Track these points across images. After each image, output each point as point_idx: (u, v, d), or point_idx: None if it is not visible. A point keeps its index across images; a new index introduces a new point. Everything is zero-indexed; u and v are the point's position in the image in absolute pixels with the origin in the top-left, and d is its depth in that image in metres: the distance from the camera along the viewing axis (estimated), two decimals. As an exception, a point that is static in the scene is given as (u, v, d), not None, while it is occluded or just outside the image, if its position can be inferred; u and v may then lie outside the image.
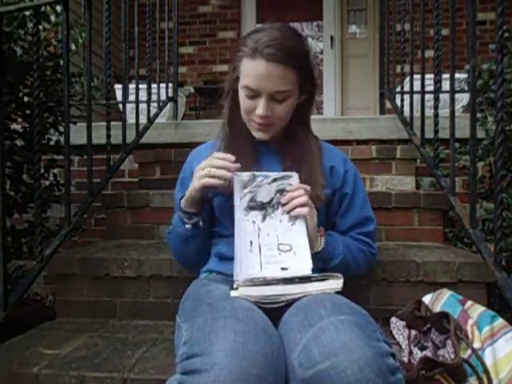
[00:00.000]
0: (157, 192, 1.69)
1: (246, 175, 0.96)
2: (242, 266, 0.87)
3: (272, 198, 0.95)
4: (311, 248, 0.93)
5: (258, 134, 1.01)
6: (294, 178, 0.98)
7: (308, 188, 0.95)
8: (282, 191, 0.95)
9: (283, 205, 0.94)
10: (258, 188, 0.95)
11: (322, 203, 1.01)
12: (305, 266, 0.88)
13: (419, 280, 1.24)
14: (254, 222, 0.93)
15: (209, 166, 0.93)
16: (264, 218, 0.94)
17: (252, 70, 0.93)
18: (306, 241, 0.92)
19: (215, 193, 1.03)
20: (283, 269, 0.88)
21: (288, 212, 0.94)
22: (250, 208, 0.94)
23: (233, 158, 0.94)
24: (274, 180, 0.96)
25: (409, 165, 1.93)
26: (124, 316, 1.32)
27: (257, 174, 0.97)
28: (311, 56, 1.00)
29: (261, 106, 0.95)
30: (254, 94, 0.95)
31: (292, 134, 1.07)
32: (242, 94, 0.99)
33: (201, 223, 1.02)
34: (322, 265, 1.00)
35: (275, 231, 0.93)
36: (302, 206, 0.92)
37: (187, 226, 1.02)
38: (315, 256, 0.94)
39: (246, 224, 0.93)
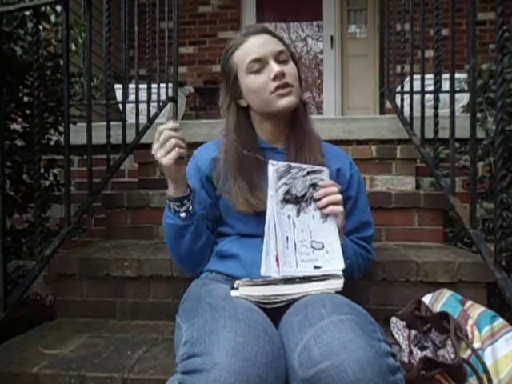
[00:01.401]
0: (157, 192, 1.69)
1: (282, 165, 0.92)
2: (280, 264, 0.84)
3: (306, 192, 0.93)
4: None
5: (283, 101, 0.99)
6: (325, 173, 0.96)
7: (339, 187, 0.95)
8: (314, 186, 0.94)
9: (316, 200, 0.93)
10: (293, 180, 0.92)
11: None
12: (337, 265, 0.88)
13: (419, 280, 1.24)
14: (289, 217, 0.90)
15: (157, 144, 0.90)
16: (298, 212, 0.91)
17: (249, 46, 1.01)
18: (338, 239, 0.91)
19: (222, 192, 1.04)
20: (316, 267, 0.87)
21: (321, 209, 0.92)
22: (286, 201, 0.91)
23: (174, 124, 0.91)
24: (308, 173, 0.94)
25: (409, 165, 1.93)
26: (124, 316, 1.32)
27: (292, 165, 0.93)
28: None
29: (273, 66, 0.99)
30: (262, 64, 1.00)
31: (296, 124, 1.08)
32: (249, 78, 1.01)
33: (190, 208, 0.97)
34: None
35: (308, 227, 0.91)
36: (336, 204, 0.92)
37: (181, 215, 0.97)
38: None
39: (282, 218, 0.89)
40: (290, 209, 0.91)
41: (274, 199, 0.89)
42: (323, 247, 0.90)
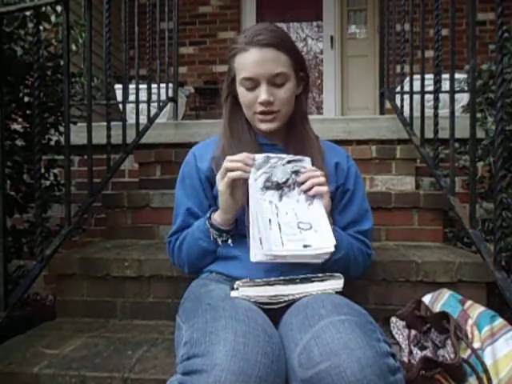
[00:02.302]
0: (157, 192, 1.69)
1: (259, 157, 0.94)
2: (263, 243, 0.83)
3: (288, 179, 0.94)
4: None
5: (264, 126, 1.01)
6: (307, 161, 0.97)
7: (322, 172, 0.95)
8: (297, 172, 0.94)
9: (300, 184, 0.93)
10: (272, 169, 0.94)
11: None
12: (327, 243, 0.86)
13: (419, 280, 1.24)
14: (270, 202, 0.91)
15: (229, 162, 0.92)
16: (281, 197, 0.92)
17: (247, 60, 0.96)
18: (326, 219, 0.90)
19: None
20: (306, 246, 0.85)
21: (306, 192, 0.92)
22: (266, 188, 0.92)
23: (249, 156, 0.94)
24: (289, 162, 0.95)
25: (409, 165, 1.93)
26: (124, 316, 1.32)
27: (271, 155, 0.95)
28: (296, 46, 1.03)
29: (262, 92, 0.96)
30: (254, 84, 0.97)
31: (293, 127, 1.07)
32: (241, 90, 1.00)
33: (230, 241, 1.00)
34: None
35: (293, 210, 0.91)
36: (320, 185, 0.92)
37: (219, 243, 0.99)
38: None
39: (262, 203, 0.90)
40: (272, 194, 0.92)
41: (254, 187, 0.91)
42: (311, 227, 0.88)
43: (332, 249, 0.86)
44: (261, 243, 0.84)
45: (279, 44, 0.96)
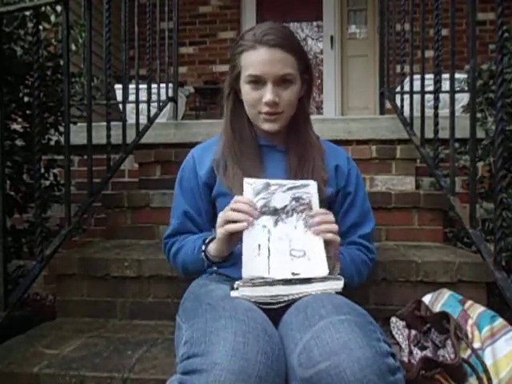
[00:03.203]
0: (157, 192, 1.69)
1: (259, 183, 0.92)
2: (247, 269, 0.82)
3: (286, 205, 0.90)
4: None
5: (266, 126, 1.01)
6: (312, 186, 0.93)
7: (333, 219, 0.90)
8: (298, 199, 0.91)
9: (300, 212, 0.89)
10: (271, 195, 0.91)
11: (325, 201, 1.01)
12: (318, 272, 0.83)
13: (419, 280, 1.24)
14: (264, 227, 0.88)
15: (230, 210, 0.88)
16: (276, 223, 0.89)
17: (255, 59, 0.95)
18: (322, 245, 0.86)
19: (219, 193, 1.03)
20: (294, 274, 0.83)
21: (316, 232, 0.87)
22: (262, 213, 0.89)
23: (254, 203, 0.89)
24: (290, 189, 0.92)
25: (409, 165, 1.93)
26: (124, 316, 1.32)
27: (271, 182, 0.93)
28: (304, 48, 1.03)
29: (268, 92, 0.95)
30: (260, 83, 0.96)
31: (295, 129, 1.07)
32: (246, 88, 0.99)
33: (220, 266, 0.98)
34: None
35: (287, 236, 0.87)
36: (335, 233, 0.87)
37: (213, 268, 0.98)
38: None
39: (255, 228, 0.87)
40: (267, 219, 0.89)
41: None
42: (304, 255, 0.86)
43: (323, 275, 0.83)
44: (245, 268, 0.82)
45: (288, 45, 0.95)
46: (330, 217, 0.89)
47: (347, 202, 1.07)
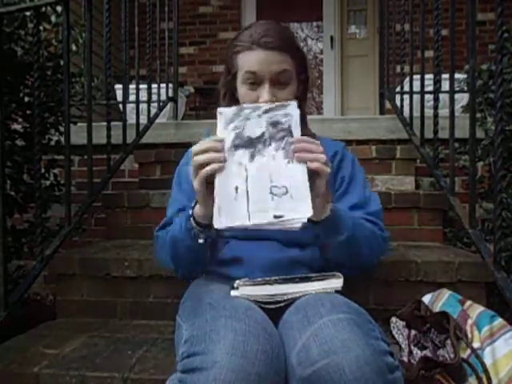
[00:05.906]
0: (157, 192, 1.69)
1: (230, 110, 0.81)
2: (222, 214, 0.74)
3: (263, 132, 0.79)
4: (314, 213, 0.77)
5: None
6: (292, 106, 0.81)
7: (321, 148, 0.80)
8: (275, 124, 0.80)
9: (278, 139, 0.79)
10: (245, 121, 0.80)
11: None
12: (303, 210, 0.74)
13: (419, 280, 1.24)
14: (240, 164, 0.78)
15: (195, 156, 0.80)
16: (253, 156, 0.78)
17: (252, 58, 0.94)
18: (306, 180, 0.77)
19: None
20: (276, 217, 0.74)
21: (299, 160, 0.78)
22: (235, 147, 0.78)
23: (218, 137, 0.81)
24: (266, 111, 0.81)
25: (408, 165, 1.94)
26: (124, 316, 1.32)
27: (245, 105, 0.83)
28: (301, 47, 1.01)
29: (265, 92, 0.94)
30: (257, 82, 0.95)
31: None
32: (243, 89, 0.98)
33: (211, 239, 0.91)
34: (326, 239, 0.90)
35: (267, 171, 0.77)
36: (324, 163, 0.78)
37: (200, 241, 0.88)
38: (317, 226, 0.85)
39: (230, 167, 0.77)
40: (242, 154, 0.78)
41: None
42: (287, 192, 0.76)
43: (307, 217, 0.75)
44: (220, 216, 0.75)
45: (286, 47, 0.94)
46: (316, 144, 0.79)
47: (346, 183, 1.04)
